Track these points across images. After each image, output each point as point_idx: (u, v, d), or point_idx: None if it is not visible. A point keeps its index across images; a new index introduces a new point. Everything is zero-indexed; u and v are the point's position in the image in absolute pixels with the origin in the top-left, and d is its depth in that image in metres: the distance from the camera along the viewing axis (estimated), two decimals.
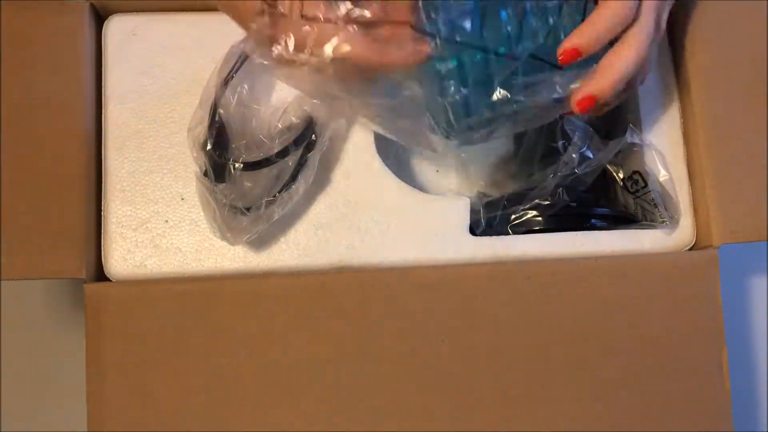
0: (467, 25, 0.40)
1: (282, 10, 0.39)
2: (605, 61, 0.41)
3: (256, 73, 0.48)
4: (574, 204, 0.51)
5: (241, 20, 0.42)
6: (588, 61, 0.41)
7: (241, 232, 0.45)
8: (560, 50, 0.40)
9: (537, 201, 0.50)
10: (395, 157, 0.54)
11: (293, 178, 0.46)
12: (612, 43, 0.41)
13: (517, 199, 0.50)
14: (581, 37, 0.40)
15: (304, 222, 0.49)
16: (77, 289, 0.47)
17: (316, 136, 0.47)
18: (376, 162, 0.50)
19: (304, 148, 0.47)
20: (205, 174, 0.46)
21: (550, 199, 0.50)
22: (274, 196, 0.46)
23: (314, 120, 0.47)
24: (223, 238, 0.45)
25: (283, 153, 0.46)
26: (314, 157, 0.47)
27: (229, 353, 0.46)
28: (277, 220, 0.47)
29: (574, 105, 0.41)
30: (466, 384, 0.47)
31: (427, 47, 0.40)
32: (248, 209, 0.45)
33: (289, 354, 0.46)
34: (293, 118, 0.47)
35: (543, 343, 0.47)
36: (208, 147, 0.46)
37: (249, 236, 0.45)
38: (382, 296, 0.47)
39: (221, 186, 0.45)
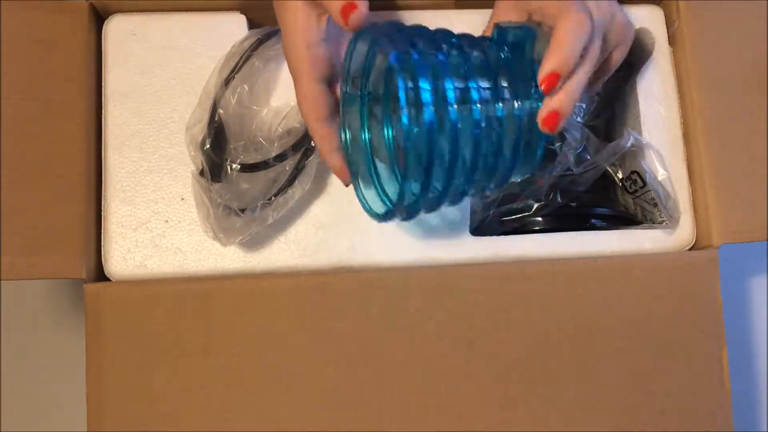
0: None
1: None
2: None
3: (257, 74, 0.48)
4: (573, 204, 0.51)
5: None
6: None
7: (234, 233, 0.45)
8: (540, 79, 0.38)
9: (530, 201, 0.50)
10: None
11: (290, 182, 0.46)
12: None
13: (512, 200, 0.50)
14: (555, 61, 0.38)
15: (304, 222, 0.49)
16: (77, 289, 0.48)
17: None
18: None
19: (302, 154, 0.46)
20: (201, 173, 0.46)
21: (543, 199, 0.50)
22: (270, 200, 0.46)
23: None
24: (215, 238, 0.45)
25: (282, 157, 0.46)
26: (312, 163, 0.47)
27: (229, 353, 0.46)
28: (278, 220, 0.47)
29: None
30: (466, 384, 0.47)
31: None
32: (242, 211, 0.45)
33: (289, 354, 0.46)
34: (294, 123, 0.47)
35: (543, 343, 0.47)
36: (206, 146, 0.46)
37: (242, 238, 0.45)
38: (382, 296, 0.47)
39: (217, 186, 0.45)
